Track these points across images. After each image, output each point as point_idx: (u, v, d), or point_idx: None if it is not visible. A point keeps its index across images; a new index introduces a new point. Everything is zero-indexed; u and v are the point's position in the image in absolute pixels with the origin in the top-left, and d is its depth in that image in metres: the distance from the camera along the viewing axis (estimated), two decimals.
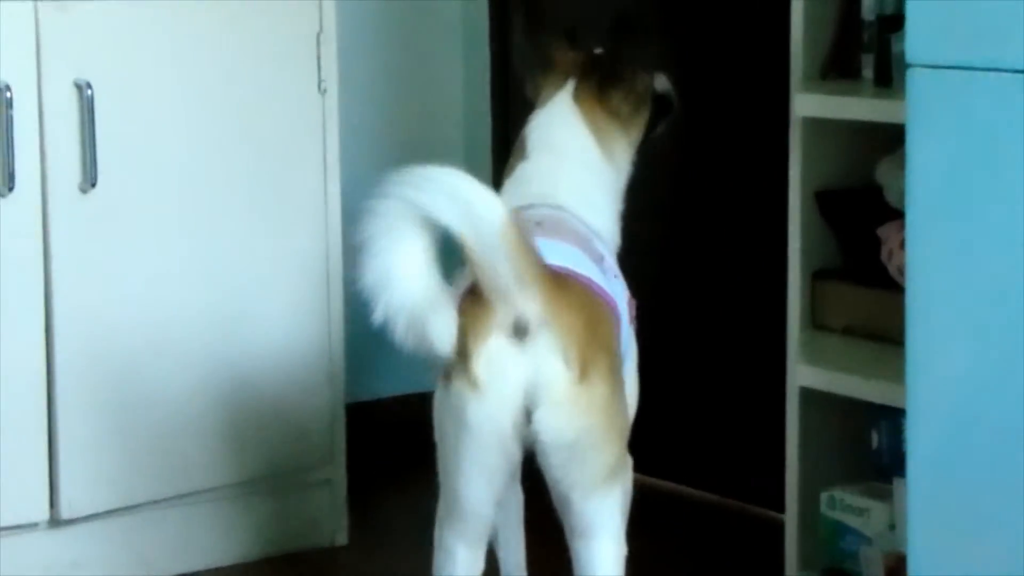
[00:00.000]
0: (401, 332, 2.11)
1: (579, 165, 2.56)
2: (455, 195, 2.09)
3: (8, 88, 2.77)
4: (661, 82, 2.67)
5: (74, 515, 2.91)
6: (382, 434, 3.52)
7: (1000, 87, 2.09)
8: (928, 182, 2.20)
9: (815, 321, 2.92)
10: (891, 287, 2.73)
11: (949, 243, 2.18)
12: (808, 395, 2.87)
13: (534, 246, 2.16)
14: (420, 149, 3.28)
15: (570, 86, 2.58)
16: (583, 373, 2.16)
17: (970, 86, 2.12)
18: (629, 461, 2.31)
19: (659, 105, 2.66)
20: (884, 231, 2.84)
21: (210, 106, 2.99)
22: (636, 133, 2.62)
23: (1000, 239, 2.12)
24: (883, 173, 2.86)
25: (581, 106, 2.57)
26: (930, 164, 2.19)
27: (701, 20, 3.37)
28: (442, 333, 2.12)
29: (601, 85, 2.57)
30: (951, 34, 2.13)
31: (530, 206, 2.44)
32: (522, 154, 2.57)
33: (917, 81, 2.18)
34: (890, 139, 2.53)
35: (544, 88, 2.61)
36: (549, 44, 2.63)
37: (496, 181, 2.60)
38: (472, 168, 2.17)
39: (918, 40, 2.17)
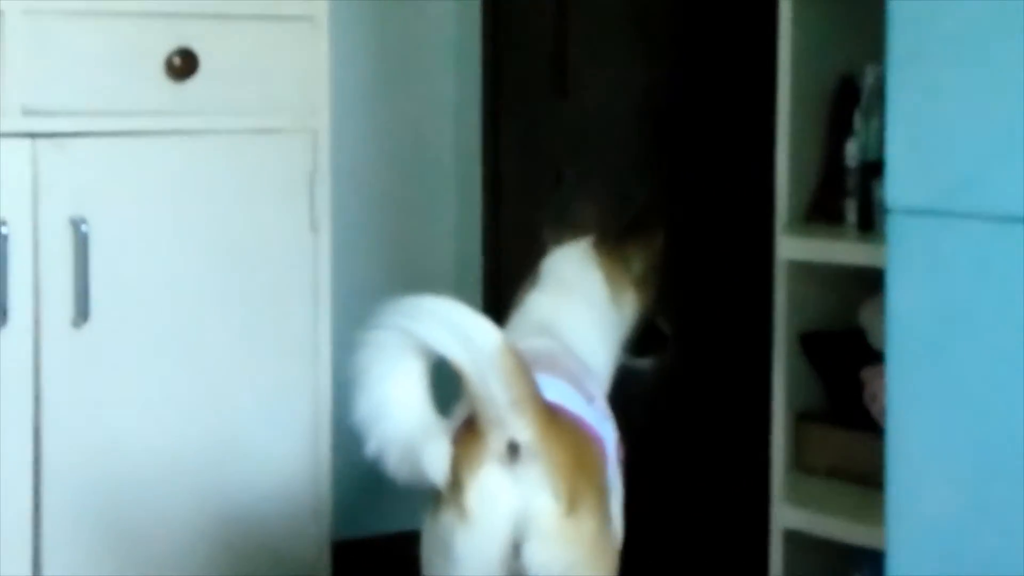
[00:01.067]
0: (394, 463, 2.14)
1: (585, 301, 2.62)
2: (450, 323, 2.13)
3: (4, 223, 2.83)
4: (660, 320, 2.73)
5: None
6: (369, 573, 3.49)
7: (978, 233, 2.20)
8: (907, 325, 2.29)
9: (799, 463, 2.96)
10: (875, 430, 2.73)
11: (928, 386, 2.27)
12: (791, 537, 2.90)
13: (530, 373, 2.18)
14: (411, 284, 3.32)
15: (590, 238, 2.68)
16: (572, 507, 2.17)
17: (948, 231, 2.20)
18: None
19: (651, 337, 2.70)
20: (867, 374, 2.89)
21: (203, 243, 3.03)
22: (642, 296, 2.67)
23: (979, 383, 2.21)
24: (866, 316, 2.91)
25: (598, 252, 2.66)
26: (909, 308, 2.28)
27: (687, 163, 3.44)
28: (436, 463, 2.14)
29: (620, 236, 2.66)
30: (930, 180, 2.22)
31: (531, 334, 2.48)
32: (532, 286, 2.64)
33: (896, 225, 2.27)
34: (873, 283, 2.54)
35: (564, 241, 2.70)
36: (579, 219, 2.72)
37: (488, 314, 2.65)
38: (462, 301, 2.19)
39: (897, 185, 2.26)
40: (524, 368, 2.17)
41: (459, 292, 3.58)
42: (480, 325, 2.16)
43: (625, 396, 2.63)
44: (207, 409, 3.06)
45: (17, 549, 2.88)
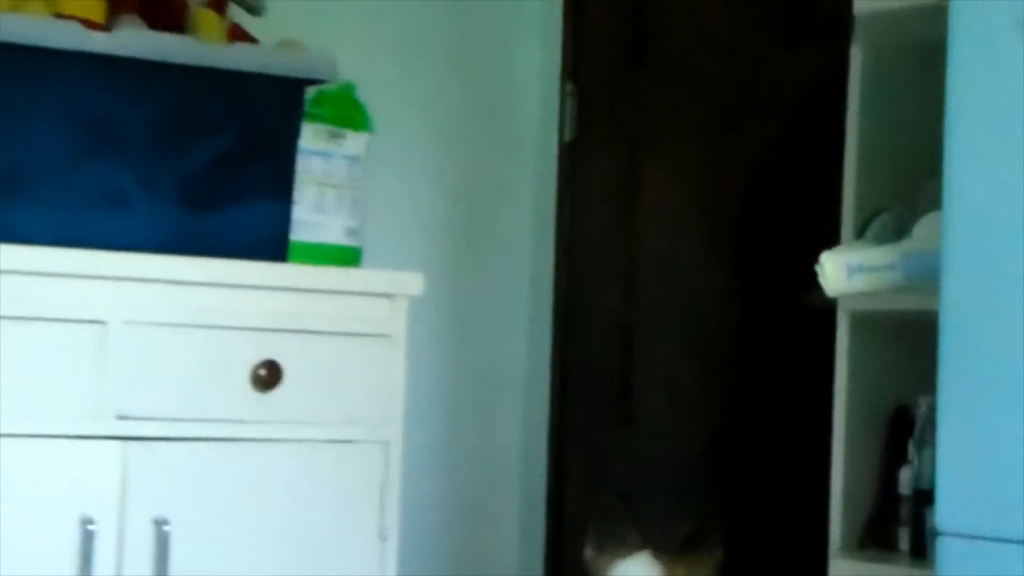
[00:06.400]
0: None
1: None
2: None
3: (93, 521, 3.27)
4: None
5: None
6: None
7: None
8: None
9: None
10: None
11: None
12: None
13: None
14: None
15: (647, 550, 2.97)
16: None
17: (997, 556, 2.42)
18: None
19: None
20: None
21: (276, 546, 3.49)
22: None
23: None
24: None
25: (662, 565, 2.99)
26: None
27: (746, 486, 3.85)
28: None
29: (680, 549, 2.97)
30: (979, 505, 2.44)
31: None
32: None
33: (945, 549, 2.48)
34: None
35: (614, 555, 3.04)
36: (628, 530, 3.05)
37: None
38: None
39: (946, 509, 2.47)
40: None
41: None
42: None
43: None
44: None
45: None
